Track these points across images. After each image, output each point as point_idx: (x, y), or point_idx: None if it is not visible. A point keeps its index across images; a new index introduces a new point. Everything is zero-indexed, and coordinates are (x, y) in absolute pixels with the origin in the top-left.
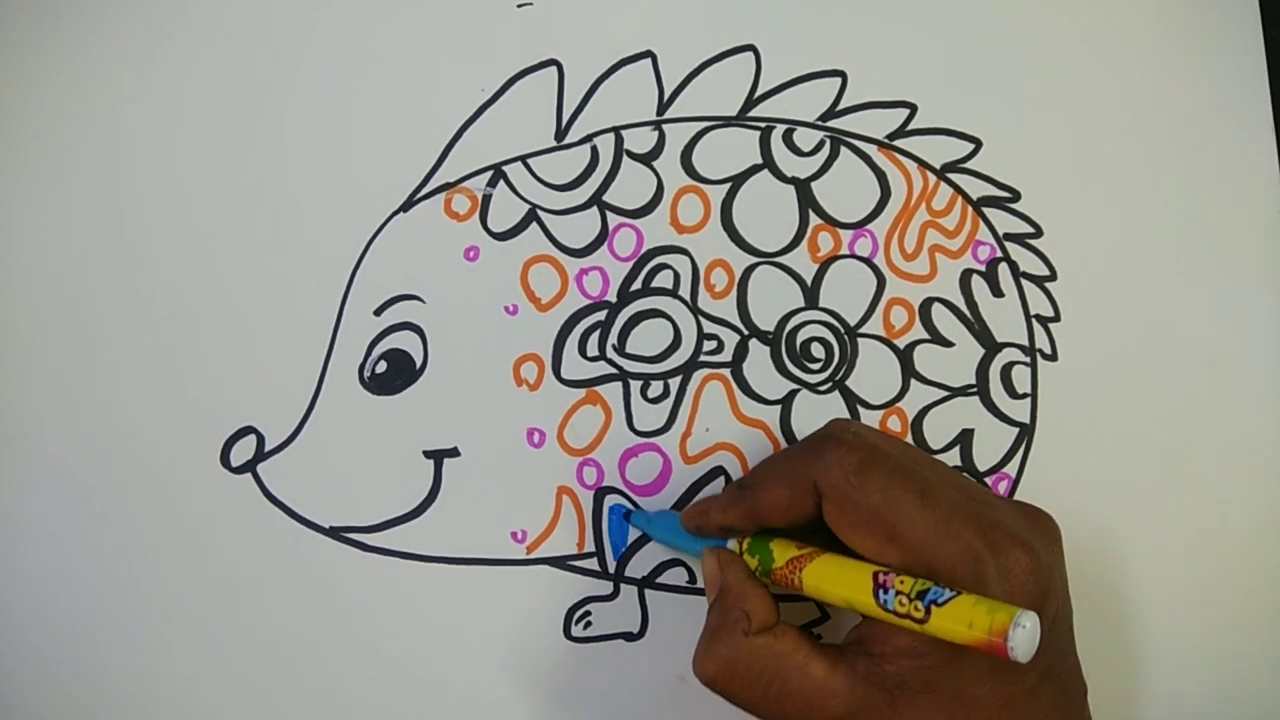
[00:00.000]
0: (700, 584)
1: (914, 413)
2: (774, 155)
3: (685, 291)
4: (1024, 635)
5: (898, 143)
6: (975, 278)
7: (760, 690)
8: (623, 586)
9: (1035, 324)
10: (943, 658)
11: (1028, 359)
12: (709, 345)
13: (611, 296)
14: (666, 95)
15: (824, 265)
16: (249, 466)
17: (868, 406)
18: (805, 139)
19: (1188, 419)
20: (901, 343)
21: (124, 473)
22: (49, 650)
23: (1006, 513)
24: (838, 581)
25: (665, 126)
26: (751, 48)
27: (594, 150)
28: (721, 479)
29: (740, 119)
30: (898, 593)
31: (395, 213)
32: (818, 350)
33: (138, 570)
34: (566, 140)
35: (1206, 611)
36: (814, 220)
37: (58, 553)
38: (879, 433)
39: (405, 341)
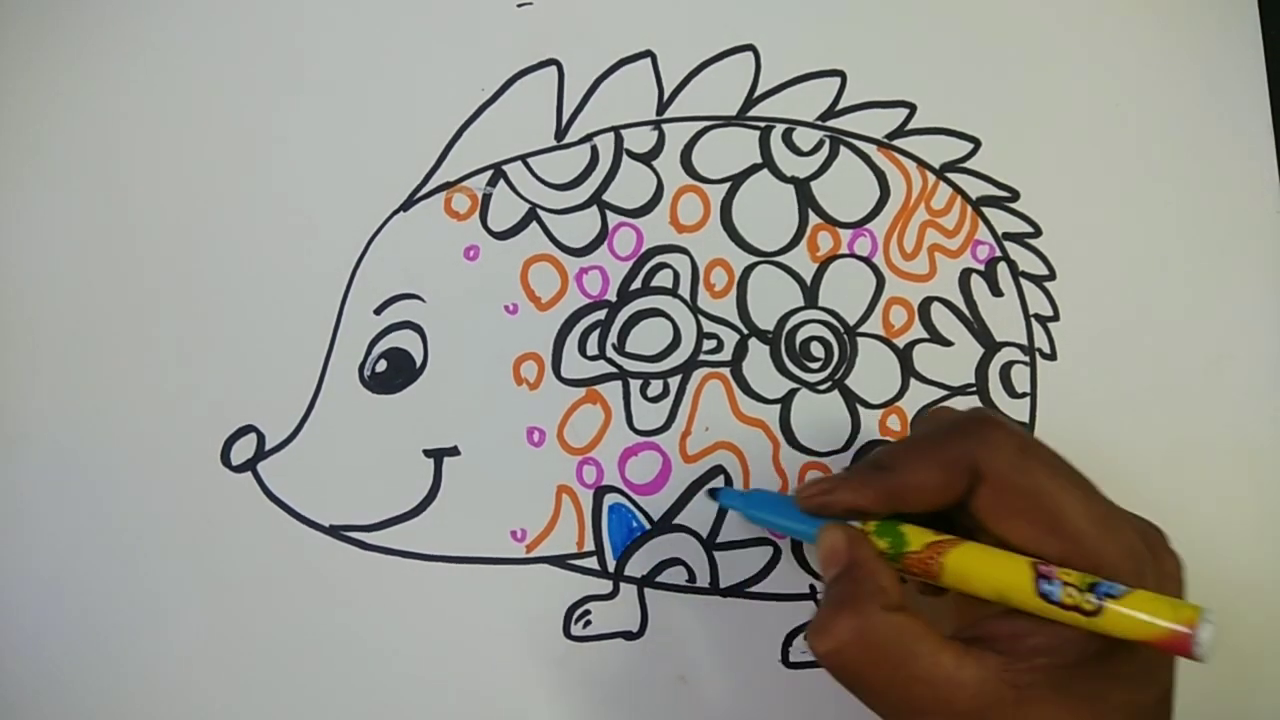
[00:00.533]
0: (701, 583)
1: (914, 412)
2: (773, 155)
3: (685, 291)
4: (1210, 632)
5: (897, 142)
6: (974, 277)
7: (889, 670)
8: (622, 585)
9: (1034, 323)
10: (1076, 659)
11: (1027, 358)
12: (709, 344)
13: (611, 296)
14: (666, 95)
15: (823, 265)
16: (249, 465)
17: (867, 406)
18: (805, 139)
19: (1188, 418)
20: (901, 342)
21: (124, 472)
22: (49, 649)
23: (1146, 522)
24: (990, 570)
25: (665, 126)
26: (751, 48)
27: (594, 150)
28: (721, 478)
29: (740, 119)
30: (1064, 583)
31: (395, 212)
32: (817, 349)
33: (138, 570)
34: (566, 140)
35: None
36: (813, 220)
37: (58, 553)
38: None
39: (405, 340)
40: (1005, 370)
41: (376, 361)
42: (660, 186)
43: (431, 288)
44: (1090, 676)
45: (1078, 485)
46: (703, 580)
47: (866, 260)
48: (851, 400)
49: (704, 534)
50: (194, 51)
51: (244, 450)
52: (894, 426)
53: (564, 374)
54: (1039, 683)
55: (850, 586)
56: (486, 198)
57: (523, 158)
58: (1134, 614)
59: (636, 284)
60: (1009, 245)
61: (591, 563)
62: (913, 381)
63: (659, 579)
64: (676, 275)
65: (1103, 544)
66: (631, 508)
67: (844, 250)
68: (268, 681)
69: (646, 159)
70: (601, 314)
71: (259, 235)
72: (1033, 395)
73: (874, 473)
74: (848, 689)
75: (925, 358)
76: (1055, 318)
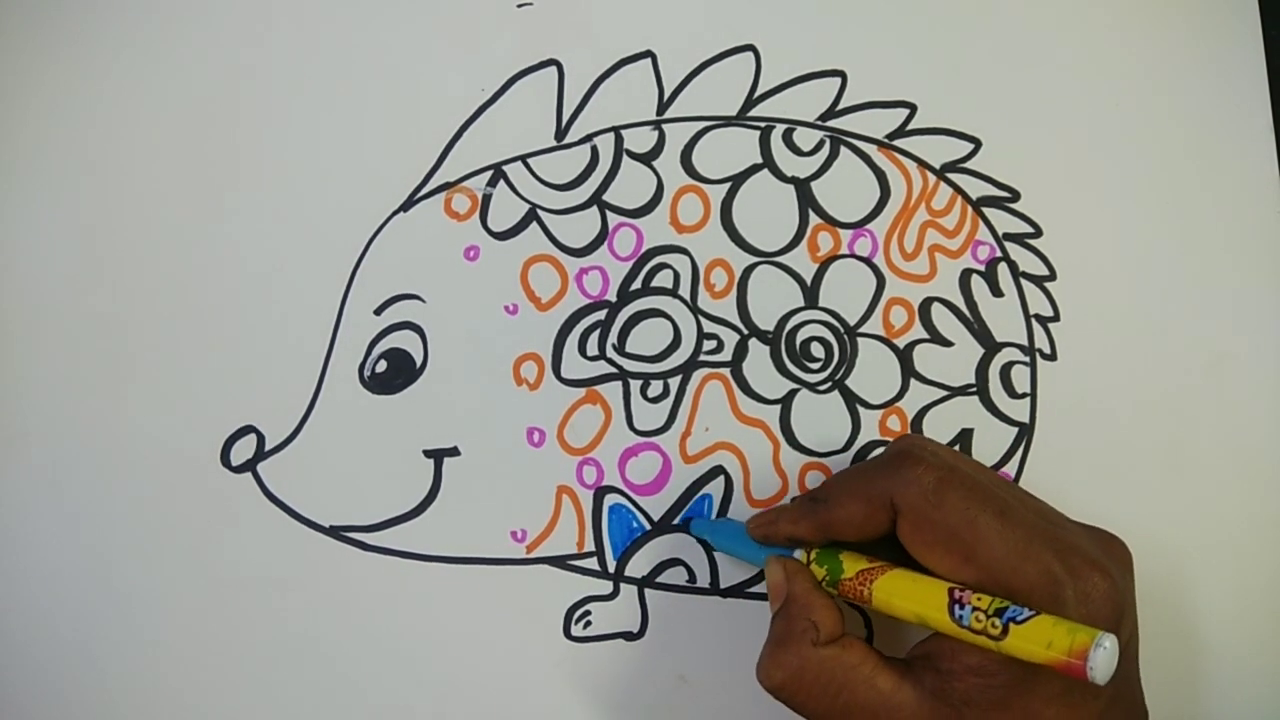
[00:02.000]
0: (701, 583)
1: (913, 412)
2: (774, 155)
3: (685, 291)
4: (1104, 656)
5: (897, 142)
6: (975, 277)
7: (827, 701)
8: (623, 586)
9: (1035, 324)
10: (1013, 678)
11: (1027, 359)
12: (709, 345)
13: (611, 296)
14: (666, 95)
15: (824, 265)
16: (249, 466)
17: (867, 406)
18: (805, 139)
19: (1188, 419)
20: (901, 342)
21: (124, 473)
22: (49, 650)
23: (1082, 536)
24: (911, 596)
25: (665, 126)
26: (751, 48)
27: (594, 150)
28: (721, 478)
29: (740, 119)
30: (974, 609)
31: (395, 212)
32: (817, 350)
33: (138, 570)
34: (566, 140)
35: (1205, 611)
36: (814, 220)
37: (58, 553)
38: (954, 451)
39: (405, 341)
40: (1005, 370)
41: (376, 362)
42: (660, 187)
43: (431, 288)
44: (1026, 694)
45: (994, 513)
46: (703, 580)
47: (867, 260)
48: (852, 400)
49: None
50: (194, 51)
51: (244, 450)
52: (894, 427)
53: (564, 374)
54: (977, 701)
55: (786, 623)
56: (486, 198)
57: (523, 158)
58: (1032, 637)
59: (636, 284)
60: (1009, 245)
61: (591, 563)
62: (913, 382)
63: (659, 579)
64: (677, 275)
65: (1016, 571)
66: (632, 508)
67: (844, 250)
68: (268, 681)
69: (647, 159)
70: (601, 314)
71: (259, 235)
72: (1033, 395)
73: (810, 505)
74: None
75: (925, 358)
76: (1055, 318)
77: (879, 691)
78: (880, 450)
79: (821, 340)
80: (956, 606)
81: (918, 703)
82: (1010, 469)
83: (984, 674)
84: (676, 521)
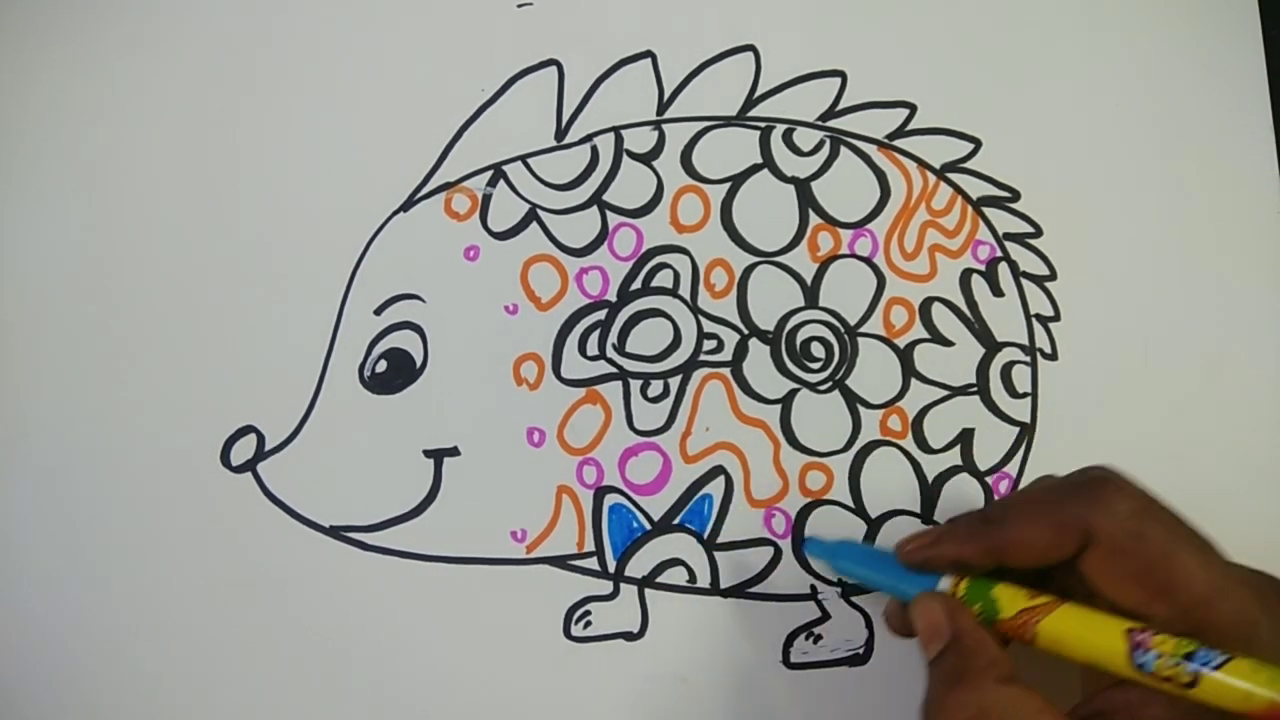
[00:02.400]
0: (701, 583)
1: (914, 412)
2: (774, 155)
3: (685, 291)
4: None
5: (897, 142)
6: (975, 277)
7: None
8: (623, 586)
9: (1035, 323)
10: None
11: (1028, 358)
12: (709, 345)
13: (611, 296)
14: (666, 95)
15: (824, 265)
16: (249, 466)
17: (868, 406)
18: (805, 139)
19: (1188, 419)
20: (902, 342)
21: (124, 473)
22: (49, 650)
23: (1264, 579)
24: (1084, 638)
25: (665, 126)
26: (751, 48)
27: (594, 150)
28: (721, 478)
29: (740, 119)
30: (1159, 654)
31: (395, 212)
32: (818, 350)
33: (138, 570)
34: (566, 140)
35: None
36: (814, 220)
37: (58, 552)
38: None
39: (405, 341)
40: (1006, 370)
41: (376, 362)
42: (660, 187)
43: (431, 288)
44: None
45: (1194, 548)
46: (703, 580)
47: (867, 260)
48: (852, 400)
49: (704, 534)
50: (194, 52)
51: (244, 450)
52: (894, 426)
53: (564, 374)
54: None
55: (961, 660)
56: (486, 198)
57: (523, 158)
58: (1231, 683)
59: (637, 284)
60: (1010, 245)
61: (592, 563)
62: (913, 381)
63: (659, 579)
64: (677, 275)
65: (1214, 609)
66: (632, 508)
67: (844, 250)
68: (268, 681)
69: (647, 159)
70: (601, 314)
71: (259, 235)
72: (1033, 395)
73: (981, 525)
74: None
75: (926, 358)
76: (1056, 318)
77: None
78: (1057, 475)
79: (822, 340)
80: (1138, 650)
81: None
82: (1011, 469)
83: None
84: (801, 543)
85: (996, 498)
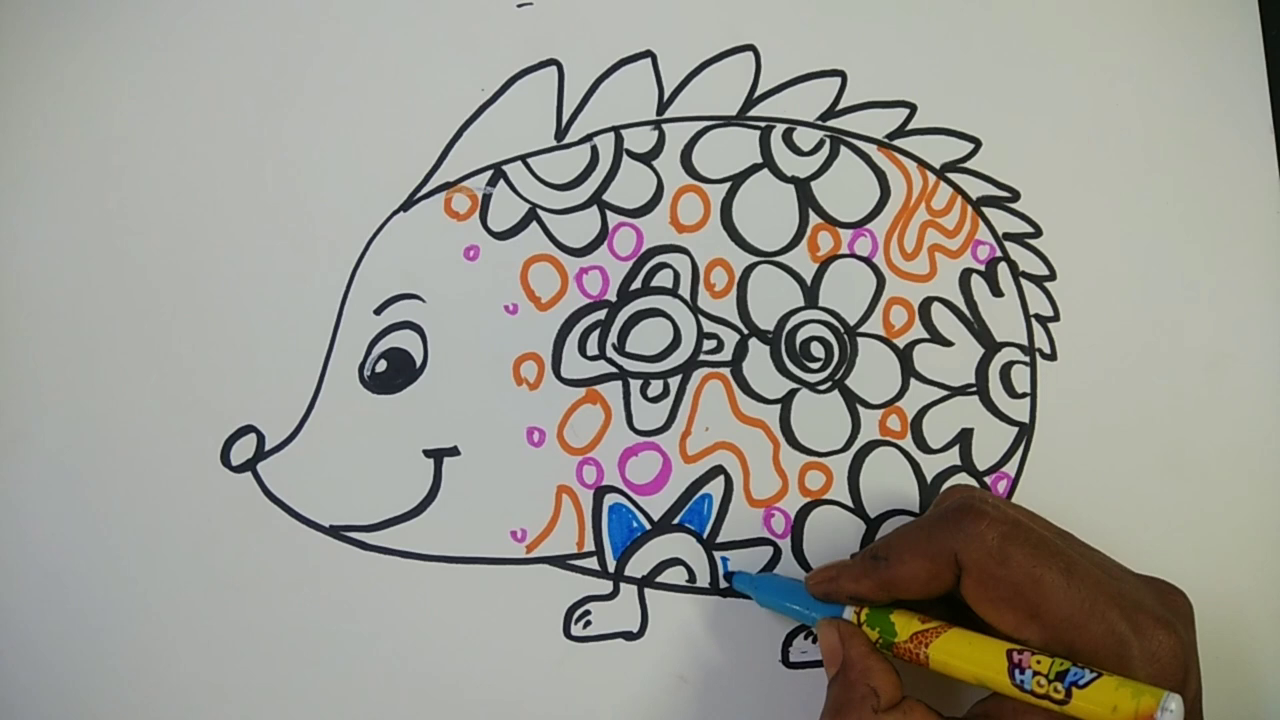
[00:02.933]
0: (701, 583)
1: (913, 412)
2: (774, 155)
3: (685, 291)
4: (1170, 719)
5: (897, 142)
6: (975, 277)
7: None
8: (622, 586)
9: (1035, 323)
10: None
11: (1027, 358)
12: (709, 344)
13: (611, 296)
14: (666, 95)
15: (824, 264)
16: (249, 466)
17: (867, 406)
18: (805, 138)
19: (1188, 419)
20: (901, 342)
21: (124, 473)
22: (49, 650)
23: (1144, 591)
24: (969, 659)
25: (665, 126)
26: (751, 47)
27: (594, 150)
28: (721, 478)
29: (740, 118)
30: (1035, 673)
31: (395, 212)
32: (817, 349)
33: (138, 570)
34: (566, 140)
35: (1205, 611)
36: (814, 220)
37: (58, 553)
38: (1015, 505)
39: (405, 340)
40: (1005, 370)
41: (376, 361)
42: (660, 186)
43: (431, 288)
44: None
45: (1059, 570)
46: (703, 580)
47: (867, 260)
48: (852, 400)
49: (704, 534)
50: (194, 52)
51: (244, 450)
52: (894, 426)
53: (564, 374)
54: None
55: (844, 690)
56: (486, 198)
57: (523, 158)
58: (1098, 699)
59: (636, 284)
60: (1009, 245)
61: (591, 563)
62: (913, 381)
63: (659, 579)
64: (676, 275)
65: (1081, 630)
66: (631, 508)
67: (844, 250)
68: (268, 682)
69: (646, 159)
70: (601, 314)
71: (259, 235)
72: (1033, 395)
73: (871, 564)
74: None
75: (925, 358)
76: (1055, 318)
77: None
78: (936, 502)
79: (821, 340)
80: (1016, 671)
81: None
82: (1010, 469)
83: None
84: (721, 581)
85: (880, 535)
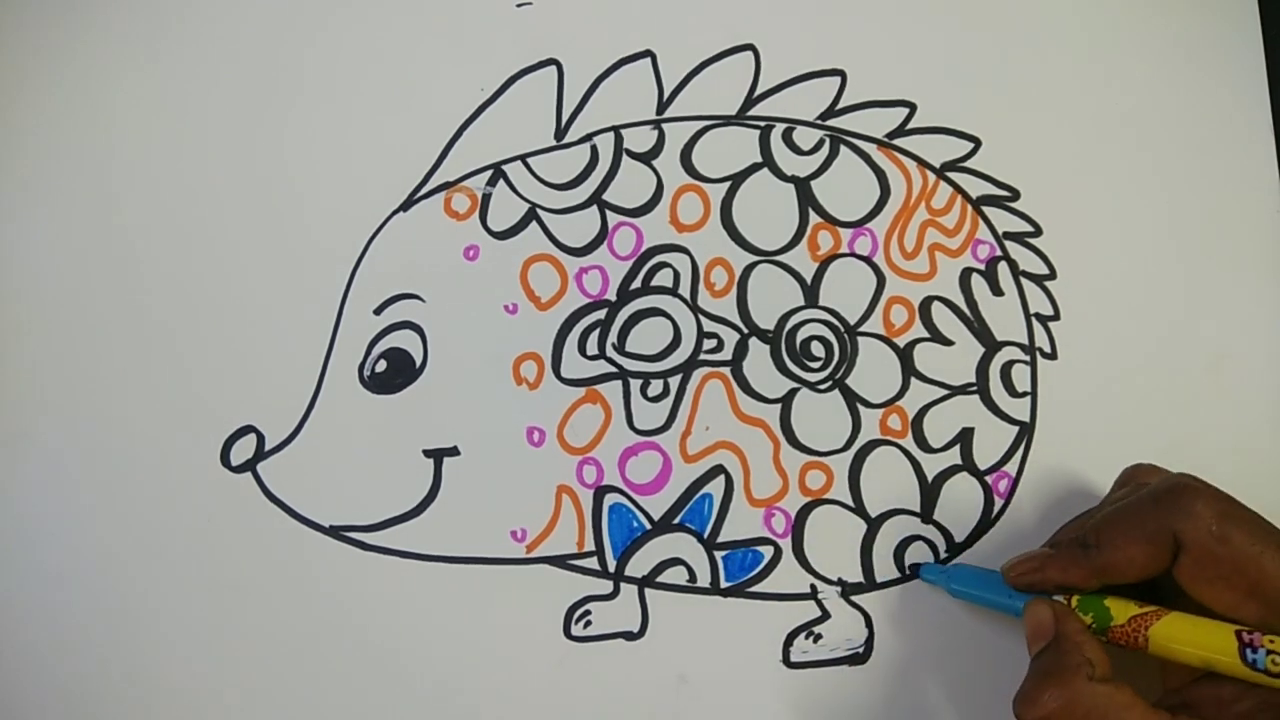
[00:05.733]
0: (701, 583)
1: (914, 411)
2: (774, 154)
3: (685, 290)
4: None
5: (897, 141)
6: (975, 276)
7: None
8: (623, 586)
9: (1035, 322)
10: None
11: (1027, 357)
12: (709, 344)
13: (611, 295)
14: (666, 94)
15: (824, 264)
16: (249, 466)
17: (868, 405)
18: (805, 138)
19: (1188, 419)
20: (901, 341)
21: (124, 473)
22: (49, 649)
23: None
24: (1195, 641)
25: (665, 125)
26: (751, 47)
27: (594, 149)
28: (721, 477)
29: (740, 118)
30: (1269, 651)
31: (395, 212)
32: (818, 349)
33: (138, 570)
34: (566, 139)
35: None
36: (814, 219)
37: (58, 552)
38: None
39: (405, 340)
40: (1006, 369)
41: (376, 361)
42: (660, 186)
43: (431, 288)
44: None
45: (1277, 547)
46: (703, 580)
47: (867, 259)
48: (852, 399)
49: (704, 534)
50: (193, 52)
51: (244, 450)
52: (894, 426)
53: (564, 374)
54: None
55: (1057, 658)
56: (486, 197)
57: (522, 157)
58: None
59: (636, 283)
60: (1009, 244)
61: (592, 563)
62: (913, 381)
63: (659, 579)
64: (676, 275)
65: None
66: (632, 507)
67: (844, 249)
68: (268, 681)
69: (646, 158)
70: (601, 314)
71: (259, 235)
72: (1033, 394)
73: (1081, 551)
74: None
75: (926, 357)
76: (1056, 317)
77: None
78: (1132, 489)
79: (822, 339)
80: (1248, 650)
81: None
82: (1011, 468)
83: (1258, 718)
84: (917, 566)
85: (1092, 521)
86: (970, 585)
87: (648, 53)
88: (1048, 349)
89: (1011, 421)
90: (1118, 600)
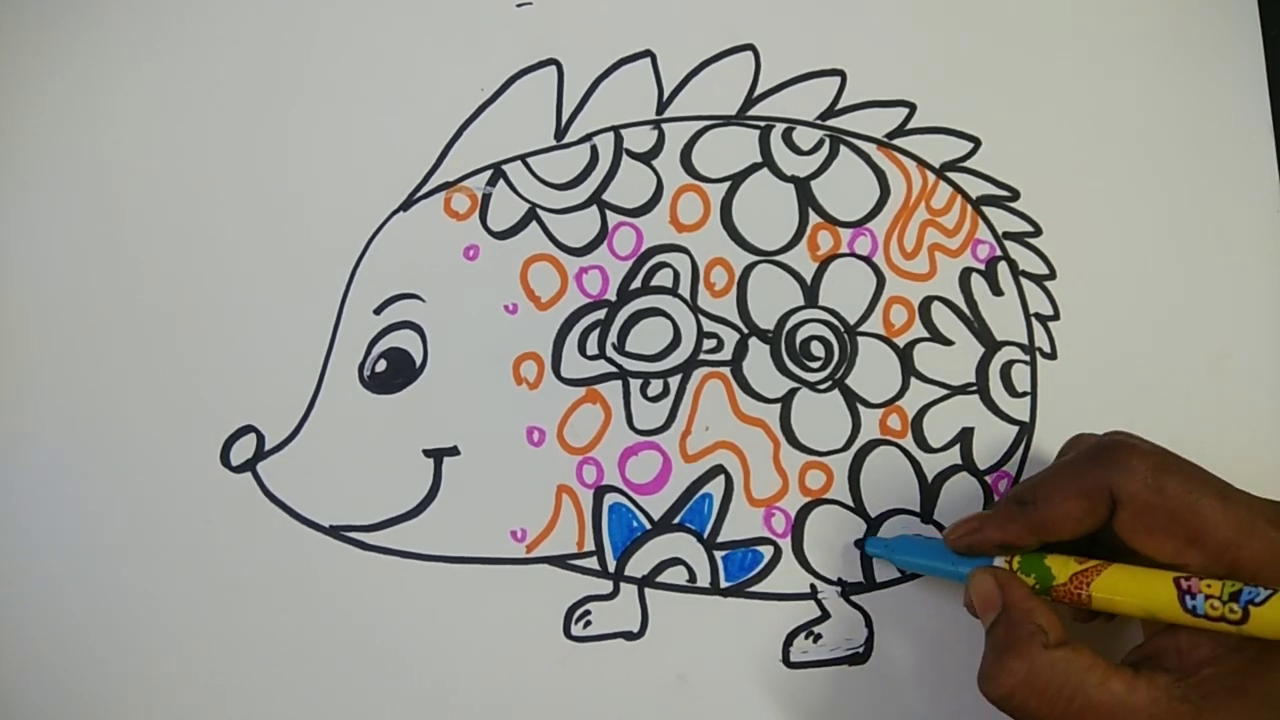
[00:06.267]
0: (701, 583)
1: (914, 411)
2: (773, 154)
3: (685, 290)
4: None
5: (897, 141)
6: (975, 276)
7: (1061, 706)
8: (622, 585)
9: (1035, 322)
10: (1247, 661)
11: (1027, 357)
12: (709, 344)
13: (611, 295)
14: (666, 94)
15: (824, 264)
16: (249, 465)
17: (868, 405)
18: (804, 138)
19: (1188, 419)
20: (901, 341)
21: (124, 473)
22: (49, 649)
23: None
24: (1135, 592)
25: (665, 125)
26: (750, 47)
27: (593, 149)
28: (721, 477)
29: (739, 118)
30: (1207, 596)
31: (395, 211)
32: (817, 349)
33: (138, 570)
34: (566, 139)
35: None
36: (813, 219)
37: (58, 552)
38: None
39: (405, 340)
40: (1006, 369)
41: (376, 361)
42: (660, 186)
43: (431, 288)
44: (1263, 676)
45: (1215, 494)
46: (703, 580)
47: (867, 259)
48: (852, 399)
49: (704, 534)
50: (193, 51)
51: (244, 450)
52: (894, 426)
53: (564, 374)
54: (1213, 693)
55: (1009, 630)
56: (486, 197)
57: (522, 157)
58: (1277, 616)
59: (636, 283)
60: (1009, 244)
61: (591, 563)
62: (913, 380)
63: (659, 579)
64: (676, 274)
65: (1242, 548)
66: (632, 507)
67: (844, 249)
68: (268, 681)
69: (646, 158)
70: (601, 313)
71: (259, 235)
72: (1033, 394)
73: (1018, 508)
74: None
75: (926, 357)
76: (1055, 317)
77: (1114, 694)
78: (1068, 448)
79: (821, 339)
80: (1187, 597)
81: (1153, 703)
82: (1010, 468)
83: (1217, 664)
84: (861, 541)
85: (1029, 480)
86: (915, 554)
87: (648, 53)
88: (1048, 349)
89: (1011, 421)
90: (1058, 558)
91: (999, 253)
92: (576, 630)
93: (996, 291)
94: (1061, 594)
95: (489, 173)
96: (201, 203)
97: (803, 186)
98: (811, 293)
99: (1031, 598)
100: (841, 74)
